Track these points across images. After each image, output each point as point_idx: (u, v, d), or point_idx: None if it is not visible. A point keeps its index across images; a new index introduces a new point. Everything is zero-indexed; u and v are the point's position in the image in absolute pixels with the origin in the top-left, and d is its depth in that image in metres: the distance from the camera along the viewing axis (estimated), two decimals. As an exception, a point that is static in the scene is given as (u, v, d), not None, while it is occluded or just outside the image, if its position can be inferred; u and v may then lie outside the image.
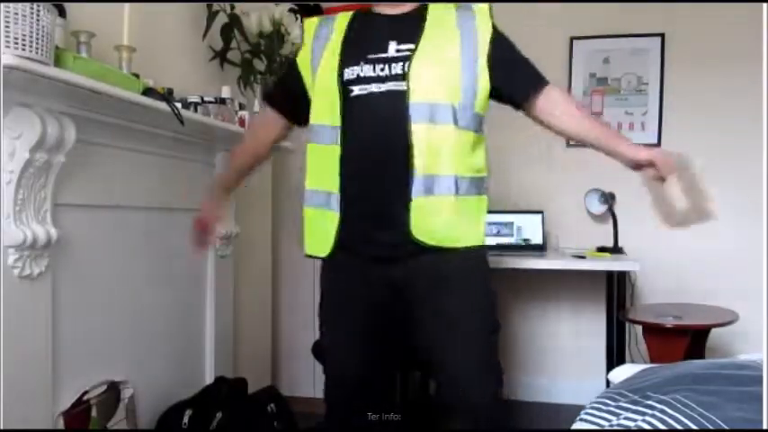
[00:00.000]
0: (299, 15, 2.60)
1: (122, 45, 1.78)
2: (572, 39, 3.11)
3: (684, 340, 2.23)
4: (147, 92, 1.70)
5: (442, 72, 1.50)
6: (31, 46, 1.28)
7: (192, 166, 2.15)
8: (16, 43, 1.25)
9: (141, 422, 1.86)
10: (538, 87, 1.60)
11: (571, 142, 3.11)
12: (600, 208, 2.96)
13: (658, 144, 3.04)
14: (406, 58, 1.49)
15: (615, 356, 2.69)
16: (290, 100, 1.65)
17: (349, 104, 1.51)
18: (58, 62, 1.40)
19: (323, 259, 1.59)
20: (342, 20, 1.62)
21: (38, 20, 1.30)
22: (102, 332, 1.74)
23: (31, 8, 1.28)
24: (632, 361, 2.67)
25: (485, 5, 1.58)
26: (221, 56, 2.43)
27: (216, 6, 2.33)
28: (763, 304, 2.20)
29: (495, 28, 1.56)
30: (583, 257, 2.64)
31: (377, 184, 1.50)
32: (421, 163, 1.46)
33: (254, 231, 2.75)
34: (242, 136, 2.21)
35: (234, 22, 2.39)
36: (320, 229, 1.56)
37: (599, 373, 2.83)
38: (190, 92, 2.04)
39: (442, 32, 1.54)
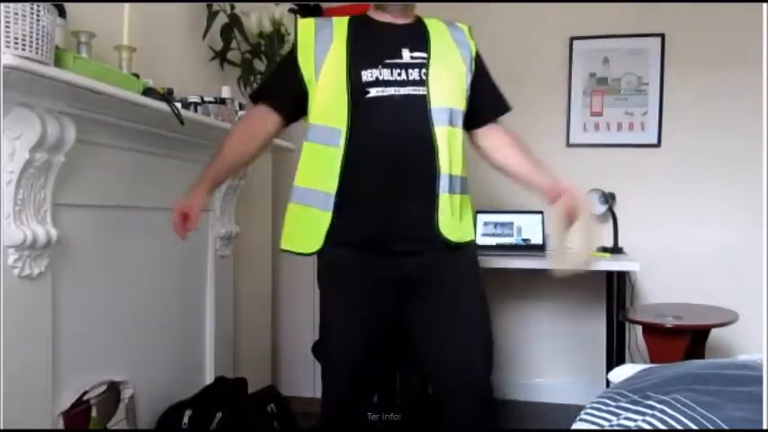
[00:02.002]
0: (298, 15, 2.60)
1: (122, 45, 1.78)
2: (572, 39, 3.11)
3: (684, 340, 2.23)
4: (147, 92, 1.70)
5: (452, 80, 1.64)
6: (31, 46, 1.28)
7: (192, 166, 2.15)
8: (16, 43, 1.25)
9: (141, 422, 1.86)
10: (495, 118, 1.76)
11: (571, 142, 3.11)
12: (600, 208, 2.96)
13: (658, 144, 3.04)
14: (422, 65, 1.60)
15: (615, 356, 2.69)
16: (289, 97, 1.66)
17: (363, 105, 1.56)
18: (58, 62, 1.40)
19: (319, 257, 1.65)
20: (339, 24, 1.67)
21: (38, 20, 1.30)
22: (102, 332, 1.74)
23: (31, 8, 1.28)
24: (632, 361, 2.67)
25: (465, 26, 1.76)
26: (221, 56, 2.43)
27: (216, 6, 2.33)
28: (763, 304, 2.20)
29: (477, 47, 1.74)
30: (583, 257, 2.64)
31: (400, 183, 1.57)
32: (444, 163, 1.57)
33: (254, 231, 2.75)
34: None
35: (234, 23, 2.39)
36: (306, 227, 1.61)
37: (599, 373, 2.83)
38: (190, 92, 2.04)
39: (444, 44, 1.67)
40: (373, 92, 1.56)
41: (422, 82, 1.58)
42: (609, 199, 2.94)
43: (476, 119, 1.72)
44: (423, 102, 1.57)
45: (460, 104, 1.63)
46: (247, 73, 2.48)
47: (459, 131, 1.63)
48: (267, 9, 2.48)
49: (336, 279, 1.66)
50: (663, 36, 3.04)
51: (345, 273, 1.63)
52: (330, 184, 1.56)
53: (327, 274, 1.68)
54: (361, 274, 1.60)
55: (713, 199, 2.98)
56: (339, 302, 1.66)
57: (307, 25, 1.66)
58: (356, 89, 1.56)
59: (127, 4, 1.78)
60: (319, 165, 1.60)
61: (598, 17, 3.08)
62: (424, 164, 1.56)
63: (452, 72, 1.64)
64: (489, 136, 1.75)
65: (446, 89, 1.61)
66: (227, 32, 2.40)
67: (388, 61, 1.59)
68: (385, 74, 1.57)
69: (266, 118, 1.69)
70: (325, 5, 3.09)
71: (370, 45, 1.62)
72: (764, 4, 2.21)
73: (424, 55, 1.61)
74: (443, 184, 1.57)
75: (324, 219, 1.57)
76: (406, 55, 1.60)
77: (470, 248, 1.69)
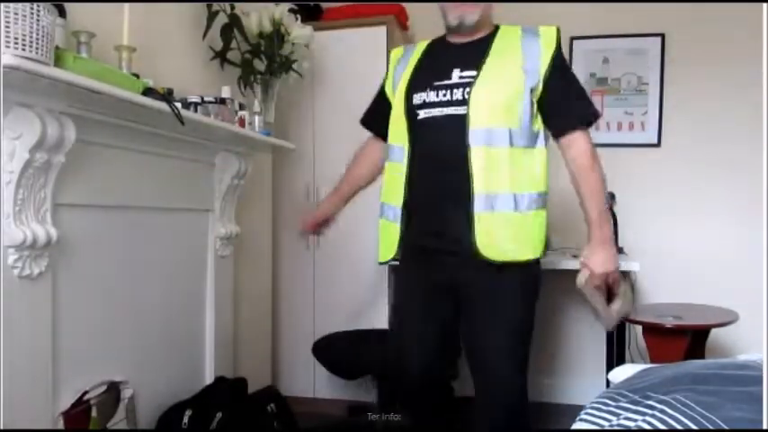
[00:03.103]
0: (299, 15, 2.60)
1: (122, 45, 1.78)
2: (572, 39, 3.11)
3: (684, 340, 2.23)
4: (147, 92, 1.70)
5: (500, 98, 1.62)
6: (31, 46, 1.28)
7: (192, 166, 2.15)
8: (16, 43, 1.25)
9: (141, 422, 1.86)
10: (568, 130, 1.69)
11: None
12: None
13: (658, 144, 3.04)
14: (468, 85, 1.63)
15: (615, 356, 2.69)
16: (383, 121, 1.83)
17: (416, 127, 1.69)
18: (58, 62, 1.40)
19: (392, 265, 1.86)
20: (419, 47, 1.82)
21: (38, 20, 1.30)
22: (102, 332, 1.74)
23: (31, 8, 1.28)
24: (632, 361, 2.67)
25: (552, 28, 1.71)
26: (221, 56, 2.43)
27: (216, 6, 2.33)
28: (763, 304, 2.20)
29: (558, 51, 1.67)
30: (583, 257, 2.64)
31: (440, 201, 1.67)
32: (480, 182, 1.59)
33: (254, 231, 2.75)
34: (243, 136, 2.21)
35: (234, 22, 2.39)
36: (386, 238, 1.78)
37: (599, 373, 2.83)
38: (190, 92, 2.04)
39: (505, 58, 1.66)
40: (421, 114, 1.68)
41: (463, 102, 1.62)
42: (609, 199, 2.93)
43: (550, 129, 1.70)
44: (462, 122, 1.61)
45: (505, 123, 1.60)
46: (247, 73, 2.48)
47: (503, 150, 1.60)
48: (267, 9, 2.48)
49: (404, 278, 1.84)
50: (663, 36, 3.04)
51: (409, 272, 1.79)
52: (398, 197, 1.73)
53: (397, 275, 1.89)
54: (418, 275, 1.74)
55: (713, 199, 2.98)
56: (404, 297, 1.85)
57: (394, 54, 1.88)
58: (410, 111, 1.70)
59: (127, 4, 1.78)
60: (392, 180, 1.77)
61: (598, 17, 3.08)
62: (459, 184, 1.61)
63: (502, 90, 1.62)
64: (567, 151, 1.73)
65: (489, 109, 1.60)
66: (227, 32, 2.39)
67: (436, 83, 1.67)
68: (431, 96, 1.66)
69: (374, 147, 1.97)
70: (325, 5, 3.09)
71: (427, 68, 1.74)
72: (764, 5, 2.21)
73: (473, 74, 1.64)
74: (479, 203, 1.59)
75: (395, 229, 1.74)
76: (456, 75, 1.66)
77: (524, 267, 1.65)
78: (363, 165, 2.02)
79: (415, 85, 1.71)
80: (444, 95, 1.65)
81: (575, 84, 1.72)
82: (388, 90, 1.86)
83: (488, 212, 1.59)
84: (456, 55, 1.71)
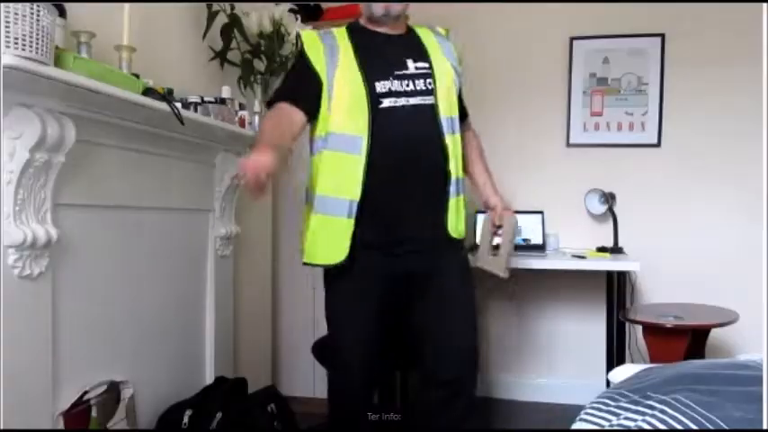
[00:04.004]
0: (298, 15, 2.60)
1: (122, 45, 1.78)
2: (572, 39, 3.11)
3: (684, 340, 2.23)
4: (147, 92, 1.70)
5: (449, 89, 1.74)
6: (31, 46, 1.28)
7: (191, 166, 2.15)
8: (16, 43, 1.25)
9: (141, 422, 1.86)
10: (466, 114, 1.94)
11: (571, 142, 3.11)
12: (600, 208, 2.96)
13: (658, 144, 3.04)
14: (427, 75, 1.70)
15: (615, 356, 2.69)
16: (310, 97, 1.68)
17: (378, 115, 1.64)
18: (58, 62, 1.40)
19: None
20: (340, 33, 1.76)
21: (38, 20, 1.30)
22: (102, 332, 1.74)
23: (31, 8, 1.28)
24: (632, 361, 2.67)
25: (444, 30, 1.87)
26: (221, 56, 2.43)
27: (216, 6, 2.33)
28: (763, 304, 2.20)
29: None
30: (583, 257, 2.64)
31: (414, 188, 1.68)
32: (453, 168, 1.70)
33: (254, 231, 2.75)
34: (243, 136, 2.21)
35: (234, 22, 2.39)
36: (331, 237, 1.65)
37: (599, 373, 2.83)
38: (190, 92, 2.04)
39: (438, 53, 1.77)
40: (386, 102, 1.66)
41: (429, 92, 1.69)
42: (609, 199, 2.94)
43: (461, 116, 1.85)
44: (432, 111, 1.69)
45: (457, 112, 1.76)
46: (247, 73, 2.48)
47: (458, 137, 1.76)
48: (267, 9, 2.48)
49: (349, 277, 1.69)
50: (663, 36, 3.03)
51: (357, 271, 1.67)
52: (354, 191, 1.62)
53: (338, 272, 1.70)
54: (373, 272, 1.68)
55: (713, 199, 2.98)
56: (351, 297, 1.73)
57: (311, 35, 1.75)
58: (372, 99, 1.65)
59: (127, 4, 1.78)
60: (342, 173, 1.64)
61: (598, 17, 3.08)
62: (436, 170, 1.69)
63: (449, 81, 1.75)
64: (468, 131, 1.93)
65: (447, 99, 1.72)
66: (227, 32, 2.40)
67: (397, 72, 1.69)
68: (396, 85, 1.68)
69: (292, 114, 1.68)
70: (325, 5, 3.09)
71: (378, 56, 1.71)
72: (764, 5, 2.21)
73: (427, 65, 1.72)
74: (453, 187, 1.72)
75: (348, 226, 1.63)
76: (411, 66, 1.71)
77: (463, 244, 1.84)
78: (287, 129, 1.68)
79: (374, 72, 1.66)
80: (408, 85, 1.68)
81: None
82: (319, 69, 1.67)
83: (455, 197, 1.73)
84: (400, 45, 1.76)
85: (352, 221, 1.63)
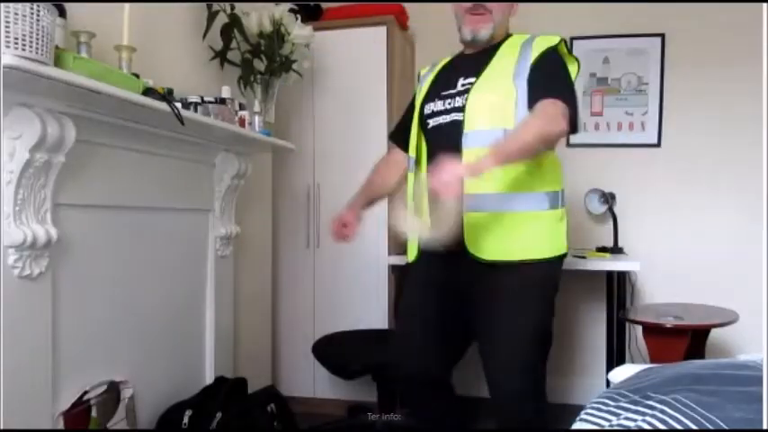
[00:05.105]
0: (299, 15, 2.60)
1: (122, 45, 1.78)
2: (572, 39, 3.11)
3: (684, 340, 2.23)
4: (147, 92, 1.70)
5: (494, 101, 1.64)
6: (31, 46, 1.28)
7: (192, 166, 2.15)
8: (16, 43, 1.25)
9: (141, 422, 1.86)
10: (539, 99, 1.59)
11: (571, 142, 3.11)
12: (600, 208, 2.96)
13: (658, 144, 3.04)
14: (466, 91, 1.68)
15: (615, 356, 2.69)
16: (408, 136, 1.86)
17: (427, 136, 1.76)
18: (57, 62, 1.40)
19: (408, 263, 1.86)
20: (442, 62, 1.88)
21: (38, 20, 1.30)
22: (102, 332, 1.74)
23: (31, 8, 1.28)
24: (632, 361, 2.67)
25: (551, 37, 1.69)
26: (221, 56, 2.43)
27: (216, 6, 2.33)
28: (763, 304, 2.20)
29: (547, 51, 1.65)
30: (583, 257, 2.64)
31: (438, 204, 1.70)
32: (470, 183, 1.54)
33: (254, 231, 2.75)
34: (243, 136, 2.22)
35: (234, 22, 2.39)
36: (410, 242, 1.84)
37: (599, 373, 2.83)
38: (190, 92, 2.04)
39: (504, 62, 1.69)
40: (431, 123, 1.74)
41: (461, 108, 1.67)
42: (609, 199, 2.94)
43: (528, 106, 1.63)
44: (459, 127, 1.66)
45: (502, 123, 1.61)
46: (247, 73, 2.48)
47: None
48: (267, 9, 2.48)
49: (410, 279, 1.88)
50: (663, 36, 3.04)
51: (418, 273, 1.83)
52: (410, 204, 1.79)
53: (408, 274, 1.91)
54: (428, 276, 1.78)
55: (713, 199, 2.98)
56: (411, 296, 1.87)
57: (422, 69, 1.95)
58: (422, 122, 1.77)
59: (127, 5, 1.78)
60: (409, 188, 1.84)
61: (598, 17, 3.08)
62: None
63: (496, 94, 1.64)
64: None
65: (483, 112, 1.63)
66: (227, 32, 2.39)
67: (443, 93, 1.73)
68: (439, 105, 1.73)
69: (396, 156, 1.97)
70: (325, 5, 3.09)
71: (440, 80, 1.79)
72: (764, 5, 2.21)
73: (472, 80, 1.69)
74: (469, 203, 1.60)
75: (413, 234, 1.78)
76: (459, 83, 1.71)
77: (524, 267, 1.65)
78: (392, 172, 1.97)
79: (428, 96, 1.78)
80: (449, 103, 1.71)
81: (560, 73, 1.66)
82: (416, 105, 1.86)
83: (480, 213, 1.63)
84: (464, 65, 1.77)
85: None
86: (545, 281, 1.71)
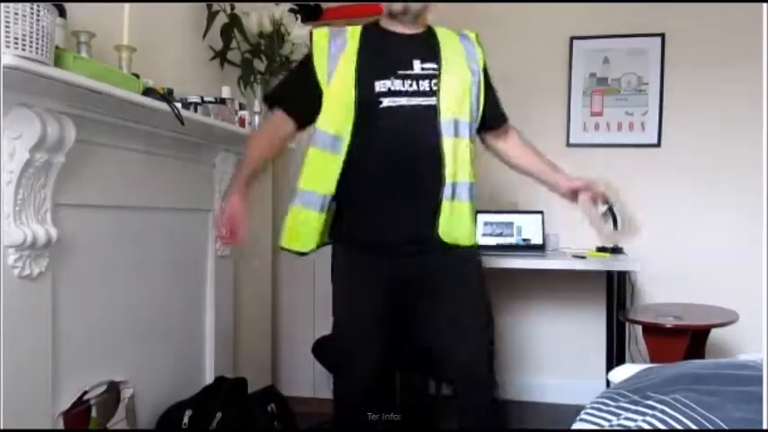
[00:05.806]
0: (299, 15, 2.60)
1: (122, 45, 1.78)
2: (572, 39, 3.11)
3: (684, 340, 2.23)
4: (147, 92, 1.70)
5: (460, 91, 1.69)
6: (31, 46, 1.28)
7: (192, 166, 2.15)
8: (16, 43, 1.25)
9: (141, 422, 1.86)
10: (505, 119, 1.89)
11: (571, 142, 3.11)
12: (600, 208, 2.95)
13: (658, 144, 3.04)
14: (433, 77, 1.66)
15: (615, 356, 2.69)
16: (304, 104, 1.72)
17: (374, 115, 1.64)
18: (58, 62, 1.40)
19: (333, 257, 1.76)
20: (353, 33, 1.74)
21: (38, 20, 1.30)
22: (102, 332, 1.74)
23: (31, 8, 1.28)
24: (632, 361, 2.66)
25: (473, 33, 1.81)
26: (221, 56, 2.43)
27: (216, 6, 2.33)
28: (763, 304, 2.20)
29: (485, 55, 1.79)
30: (583, 257, 2.64)
31: (403, 190, 1.66)
32: (449, 172, 1.65)
33: (254, 231, 2.75)
34: (243, 136, 2.21)
35: (234, 22, 2.39)
36: (303, 228, 1.70)
37: (599, 373, 2.83)
38: (190, 92, 2.04)
39: (454, 55, 1.73)
40: (386, 102, 1.64)
41: (432, 93, 1.65)
42: (609, 199, 2.94)
43: (486, 124, 1.81)
44: (433, 113, 1.65)
45: (466, 115, 1.69)
46: (247, 73, 2.48)
47: (464, 141, 1.68)
48: (267, 9, 2.48)
49: (348, 278, 1.75)
50: (663, 36, 3.04)
51: (356, 272, 1.73)
52: (328, 187, 1.66)
53: (340, 274, 1.78)
54: (370, 272, 1.69)
55: (713, 199, 2.98)
56: (353, 298, 1.75)
57: (321, 34, 1.73)
58: (368, 99, 1.64)
59: (127, 5, 1.78)
60: (321, 169, 1.68)
61: (598, 17, 3.08)
62: (430, 173, 1.65)
63: (460, 83, 1.70)
64: (506, 137, 1.90)
65: (453, 100, 1.67)
66: (227, 32, 2.40)
67: (400, 72, 1.66)
68: (397, 84, 1.65)
69: (281, 126, 1.78)
70: (325, 5, 3.09)
71: (382, 55, 1.69)
72: (764, 5, 2.21)
73: (435, 66, 1.68)
74: (447, 192, 1.65)
75: (318, 220, 1.69)
76: (417, 66, 1.68)
77: (472, 252, 1.75)
78: (273, 142, 1.83)
79: (374, 71, 1.65)
80: (411, 85, 1.65)
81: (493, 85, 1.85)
82: (318, 71, 1.68)
83: (450, 201, 1.66)
84: (410, 46, 1.72)
85: (322, 216, 1.69)
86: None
